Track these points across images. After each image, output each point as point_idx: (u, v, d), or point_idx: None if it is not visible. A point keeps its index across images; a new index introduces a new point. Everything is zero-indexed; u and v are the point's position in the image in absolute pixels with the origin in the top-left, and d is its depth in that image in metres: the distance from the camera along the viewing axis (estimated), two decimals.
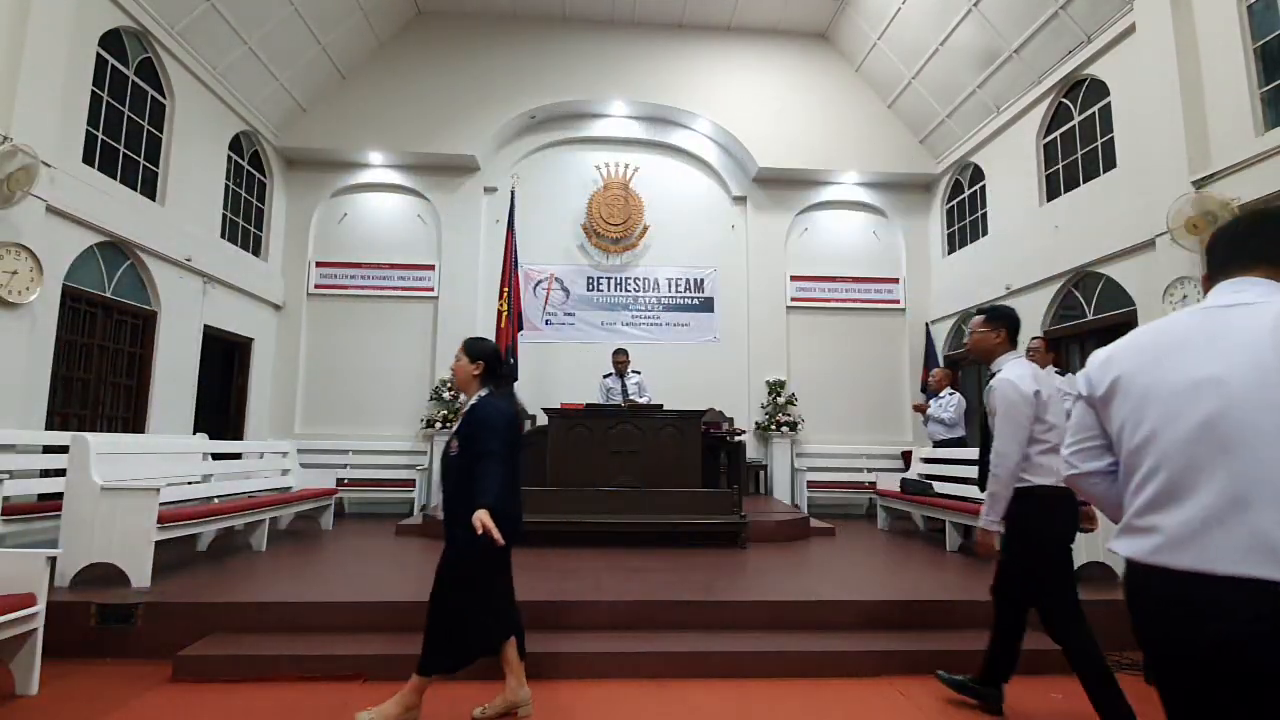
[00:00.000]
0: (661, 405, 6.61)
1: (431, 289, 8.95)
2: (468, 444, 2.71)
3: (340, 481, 7.41)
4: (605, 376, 7.36)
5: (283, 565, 4.84)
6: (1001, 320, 2.95)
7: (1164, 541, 1.23)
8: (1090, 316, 6.56)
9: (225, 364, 8.00)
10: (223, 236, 7.64)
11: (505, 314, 7.13)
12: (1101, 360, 1.45)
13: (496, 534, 2.49)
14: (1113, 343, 1.47)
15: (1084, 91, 6.79)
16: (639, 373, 7.37)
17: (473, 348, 2.90)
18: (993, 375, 2.85)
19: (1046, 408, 2.72)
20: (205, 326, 7.21)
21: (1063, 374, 5.39)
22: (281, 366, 8.64)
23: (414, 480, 8.11)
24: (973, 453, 6.28)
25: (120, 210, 5.93)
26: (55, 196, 5.10)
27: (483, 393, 2.86)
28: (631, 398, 7.07)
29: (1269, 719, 1.10)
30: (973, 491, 5.83)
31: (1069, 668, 3.45)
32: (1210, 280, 1.40)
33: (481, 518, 2.53)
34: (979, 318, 3.00)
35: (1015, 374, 2.75)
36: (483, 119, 8.79)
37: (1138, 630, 1.34)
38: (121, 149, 6.12)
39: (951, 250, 9.11)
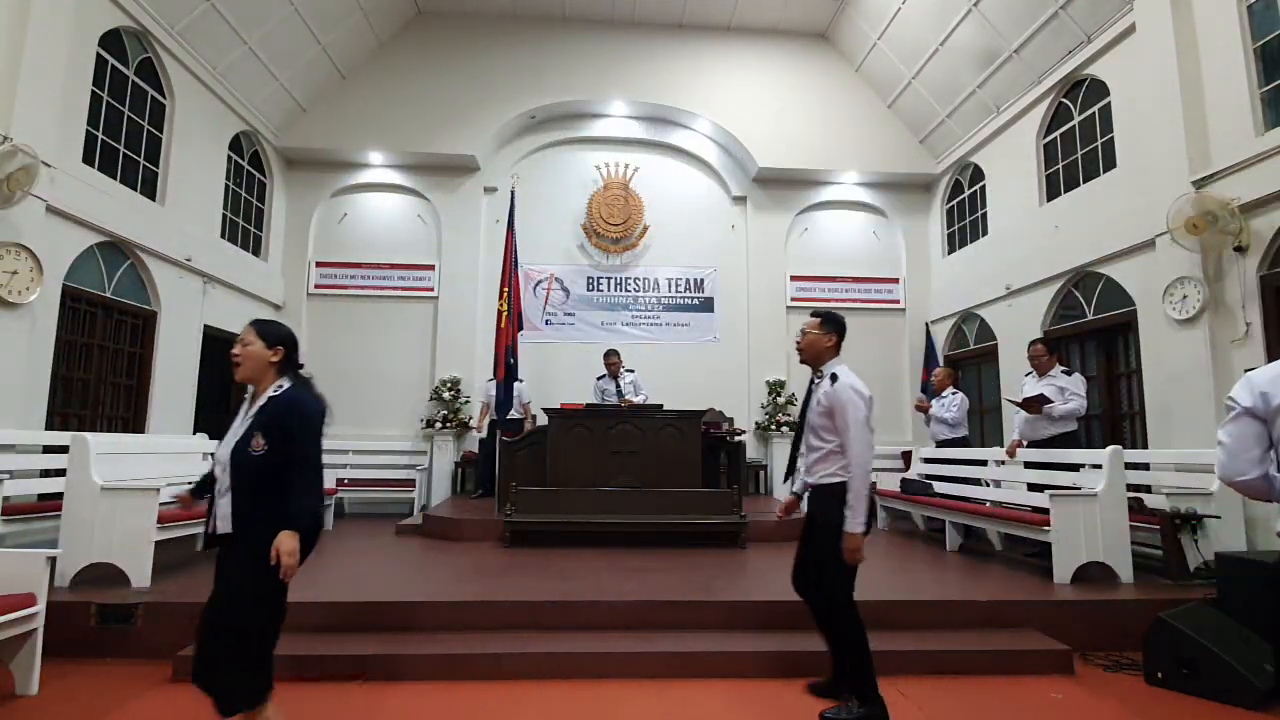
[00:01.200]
0: (661, 405, 6.61)
1: (431, 289, 8.95)
2: (280, 442, 2.28)
3: (340, 481, 7.42)
4: (599, 379, 7.37)
5: None
6: (836, 326, 3.02)
7: None
8: (1090, 316, 6.56)
9: (225, 364, 7.98)
10: (223, 236, 7.64)
11: (505, 314, 7.11)
12: (1271, 378, 1.78)
13: (290, 570, 2.18)
14: (1267, 367, 1.84)
15: (1084, 91, 6.79)
16: (633, 371, 7.38)
17: (269, 331, 2.46)
18: (821, 377, 2.96)
19: (873, 410, 2.91)
20: (205, 326, 7.21)
21: (1069, 373, 5.39)
22: None
23: (414, 480, 8.11)
24: (975, 453, 6.32)
25: (120, 210, 5.93)
26: (55, 196, 5.10)
27: (284, 384, 2.43)
28: (627, 397, 7.08)
29: None
30: (972, 491, 5.84)
31: (1067, 667, 3.45)
32: None
33: (285, 546, 2.17)
34: (815, 319, 3.03)
35: (855, 380, 2.89)
36: (483, 119, 8.79)
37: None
38: (121, 149, 6.12)
39: (951, 250, 9.11)
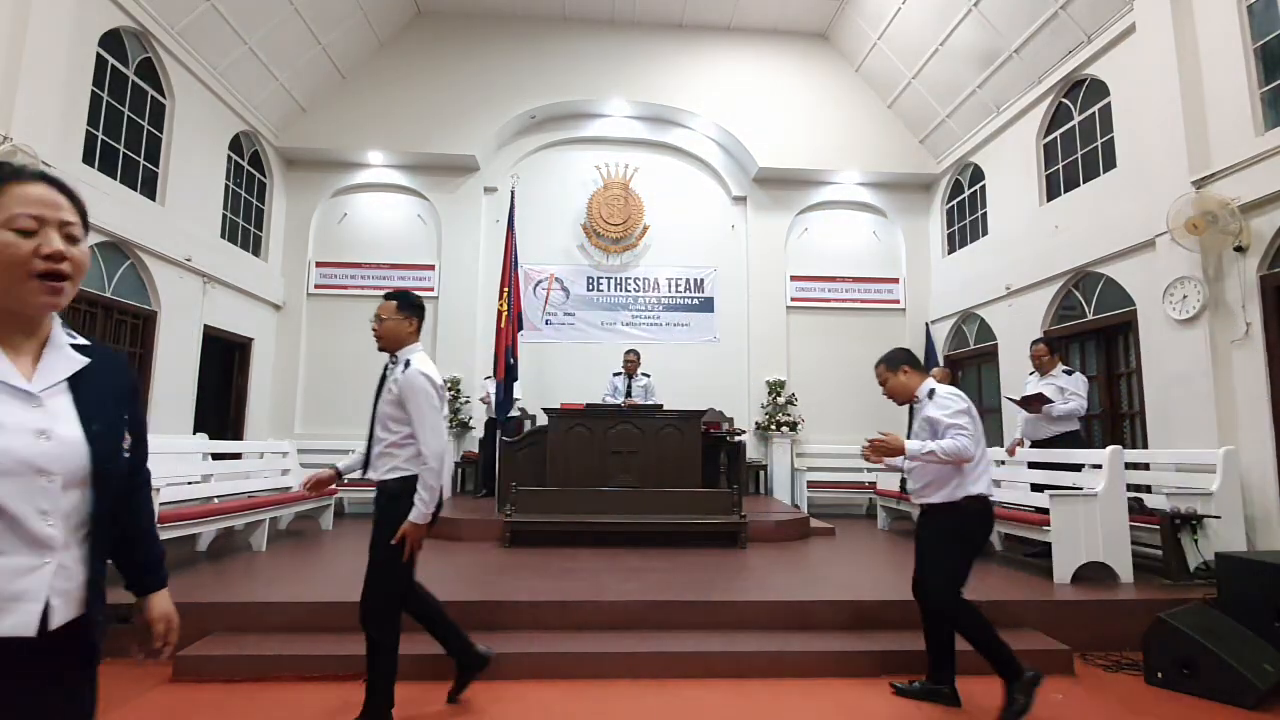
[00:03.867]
0: (661, 405, 6.62)
1: (431, 289, 8.94)
2: (138, 440, 1.36)
3: (340, 481, 7.39)
4: (615, 374, 7.45)
5: (283, 565, 4.84)
6: (414, 309, 2.84)
7: (990, 486, 2.98)
8: (1090, 316, 6.56)
9: (225, 364, 8.00)
10: (223, 236, 7.64)
11: (505, 314, 7.11)
12: (960, 394, 3.07)
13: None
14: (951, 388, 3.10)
15: (1084, 91, 6.79)
16: (648, 375, 7.42)
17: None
18: (395, 363, 2.78)
19: (445, 400, 2.85)
20: (205, 326, 7.21)
21: (1070, 373, 5.39)
22: (281, 366, 8.63)
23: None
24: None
25: (120, 210, 5.93)
26: None
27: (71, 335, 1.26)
28: (635, 399, 7.11)
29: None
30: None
31: (1067, 667, 3.45)
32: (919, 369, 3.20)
33: (173, 614, 1.35)
34: (392, 303, 2.80)
35: (429, 367, 2.77)
36: (483, 119, 8.79)
37: (978, 527, 2.98)
38: (121, 149, 6.12)
39: (951, 250, 9.11)
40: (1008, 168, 7.86)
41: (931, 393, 3.06)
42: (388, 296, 2.85)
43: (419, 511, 2.64)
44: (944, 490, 2.95)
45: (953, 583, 2.92)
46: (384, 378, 2.80)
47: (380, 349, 2.84)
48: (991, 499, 2.98)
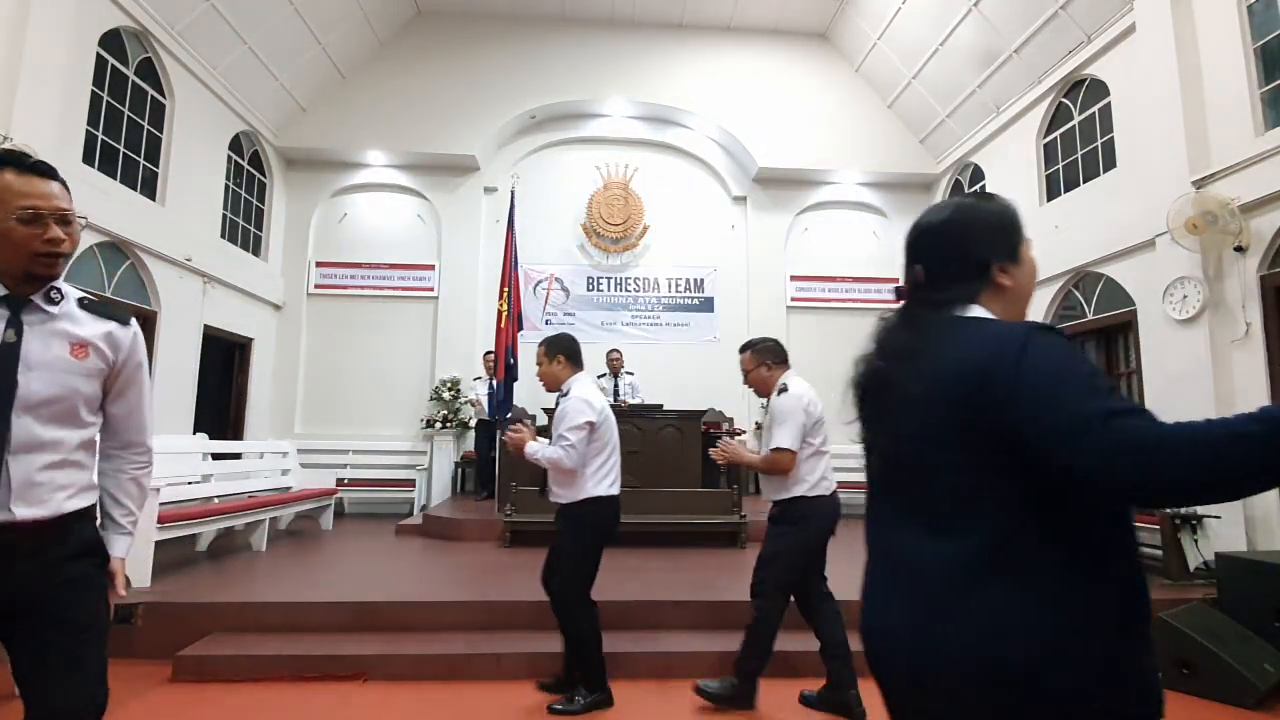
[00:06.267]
0: (661, 405, 6.62)
1: (431, 289, 8.95)
2: None
3: (340, 481, 7.42)
4: (599, 377, 7.40)
5: (283, 565, 4.84)
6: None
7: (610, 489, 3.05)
8: (1090, 316, 6.56)
9: (225, 364, 8.00)
10: (223, 236, 7.64)
11: (505, 314, 7.11)
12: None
13: None
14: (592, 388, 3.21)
15: (1084, 91, 6.79)
16: (632, 374, 7.42)
17: None
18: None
19: None
20: (205, 326, 7.21)
21: None
22: (281, 366, 8.63)
23: (414, 480, 8.11)
24: None
25: (120, 210, 5.93)
26: None
27: None
28: (624, 398, 7.12)
29: None
30: None
31: None
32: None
33: None
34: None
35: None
36: (483, 119, 8.79)
37: (604, 526, 3.11)
38: (121, 149, 6.12)
39: None
40: (1008, 168, 7.86)
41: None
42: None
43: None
44: (569, 491, 3.06)
45: (579, 578, 3.04)
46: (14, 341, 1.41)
47: None
48: (616, 498, 3.11)
